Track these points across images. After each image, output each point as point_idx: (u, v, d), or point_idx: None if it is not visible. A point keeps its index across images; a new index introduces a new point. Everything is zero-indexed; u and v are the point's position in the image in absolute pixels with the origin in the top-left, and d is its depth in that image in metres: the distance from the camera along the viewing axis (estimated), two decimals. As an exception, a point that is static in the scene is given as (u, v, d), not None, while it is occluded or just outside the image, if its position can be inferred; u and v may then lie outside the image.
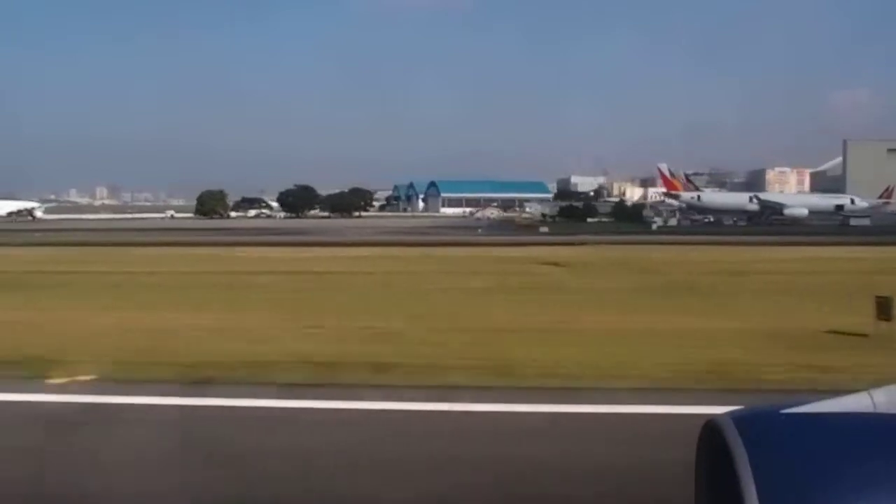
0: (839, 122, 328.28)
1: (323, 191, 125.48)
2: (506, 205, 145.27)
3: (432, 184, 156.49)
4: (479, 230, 60.30)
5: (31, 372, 9.44)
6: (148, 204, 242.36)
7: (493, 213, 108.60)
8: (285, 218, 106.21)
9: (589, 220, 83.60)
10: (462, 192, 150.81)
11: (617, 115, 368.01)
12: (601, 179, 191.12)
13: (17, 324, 13.01)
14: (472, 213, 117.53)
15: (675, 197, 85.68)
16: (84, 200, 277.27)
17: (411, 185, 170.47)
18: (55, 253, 34.68)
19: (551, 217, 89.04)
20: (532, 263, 27.20)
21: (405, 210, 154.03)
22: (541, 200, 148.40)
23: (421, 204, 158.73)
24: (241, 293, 19.21)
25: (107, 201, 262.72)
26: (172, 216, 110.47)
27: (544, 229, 60.94)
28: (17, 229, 64.71)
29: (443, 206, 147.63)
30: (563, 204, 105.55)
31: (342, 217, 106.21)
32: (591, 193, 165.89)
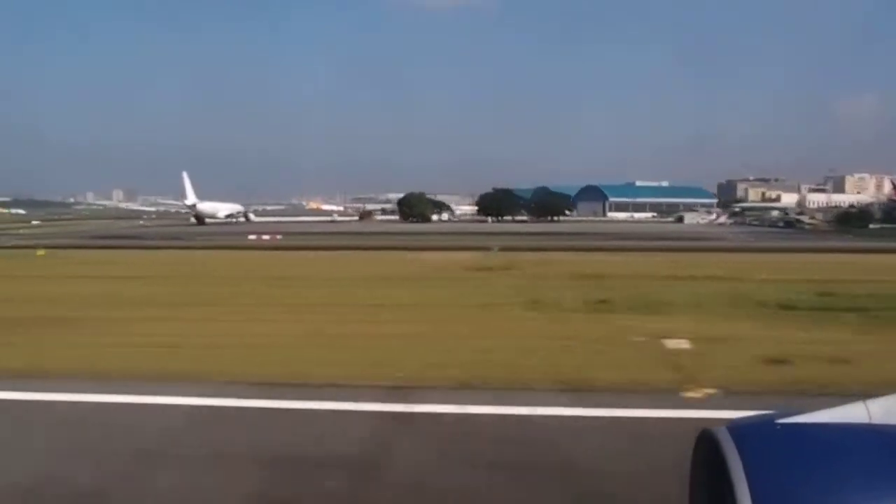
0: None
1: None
2: (669, 209, 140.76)
3: (590, 188, 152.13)
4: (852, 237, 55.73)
5: None
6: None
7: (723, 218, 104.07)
8: (494, 222, 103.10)
9: (871, 226, 78.28)
10: (627, 197, 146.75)
11: (646, 121, 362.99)
12: (664, 183, 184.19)
13: None
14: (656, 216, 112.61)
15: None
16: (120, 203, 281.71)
17: (545, 189, 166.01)
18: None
19: (827, 222, 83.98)
20: None
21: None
22: (703, 205, 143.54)
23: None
24: None
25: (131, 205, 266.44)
26: (334, 219, 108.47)
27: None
28: (335, 232, 62.87)
29: (610, 210, 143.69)
30: (842, 209, 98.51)
31: (544, 221, 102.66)
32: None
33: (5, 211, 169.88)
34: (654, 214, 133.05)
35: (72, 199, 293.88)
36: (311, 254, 35.02)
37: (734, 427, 1.48)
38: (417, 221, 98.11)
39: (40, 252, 32.13)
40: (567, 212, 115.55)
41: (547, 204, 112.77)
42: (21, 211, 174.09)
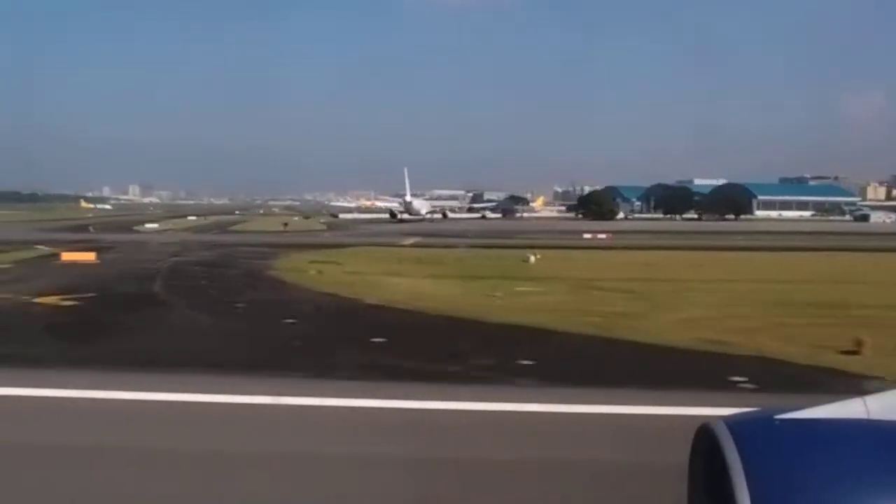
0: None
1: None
2: (815, 207, 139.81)
3: (730, 185, 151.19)
4: None
5: None
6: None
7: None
8: (684, 220, 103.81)
9: None
10: (774, 196, 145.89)
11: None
12: (722, 181, 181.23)
13: None
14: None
15: None
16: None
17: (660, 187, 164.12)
18: None
19: None
20: None
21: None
22: (847, 203, 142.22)
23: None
24: None
25: (154, 199, 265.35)
26: (485, 216, 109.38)
27: None
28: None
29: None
30: None
31: (726, 220, 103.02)
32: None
33: (91, 206, 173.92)
34: (813, 213, 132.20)
35: (89, 194, 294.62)
36: (726, 255, 35.16)
37: (732, 422, 1.51)
38: (606, 219, 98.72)
39: (534, 258, 29.91)
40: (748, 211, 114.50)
41: (725, 201, 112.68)
42: (107, 206, 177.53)
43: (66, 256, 27.33)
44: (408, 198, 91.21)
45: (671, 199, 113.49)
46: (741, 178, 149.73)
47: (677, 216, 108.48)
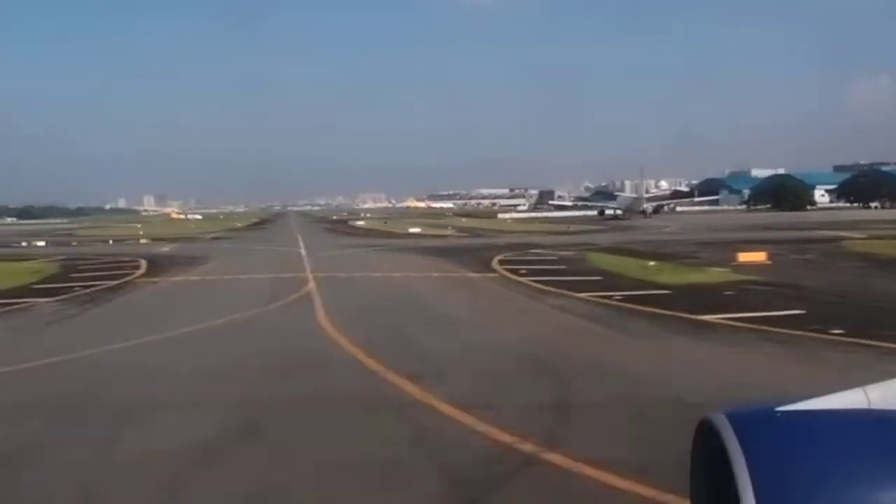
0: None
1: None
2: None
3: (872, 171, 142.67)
4: None
5: None
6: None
7: None
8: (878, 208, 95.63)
9: None
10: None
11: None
12: (781, 170, 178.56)
13: None
14: None
15: None
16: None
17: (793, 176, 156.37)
18: None
19: None
20: None
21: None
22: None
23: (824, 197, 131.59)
24: None
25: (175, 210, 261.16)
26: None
27: None
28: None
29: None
30: None
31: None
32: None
33: (183, 217, 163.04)
34: None
35: (108, 206, 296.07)
36: None
37: (733, 414, 1.50)
38: (802, 210, 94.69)
39: None
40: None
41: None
42: (198, 216, 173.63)
43: (743, 257, 25.32)
44: (646, 195, 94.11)
45: (859, 187, 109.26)
46: (798, 167, 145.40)
47: (872, 204, 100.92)
